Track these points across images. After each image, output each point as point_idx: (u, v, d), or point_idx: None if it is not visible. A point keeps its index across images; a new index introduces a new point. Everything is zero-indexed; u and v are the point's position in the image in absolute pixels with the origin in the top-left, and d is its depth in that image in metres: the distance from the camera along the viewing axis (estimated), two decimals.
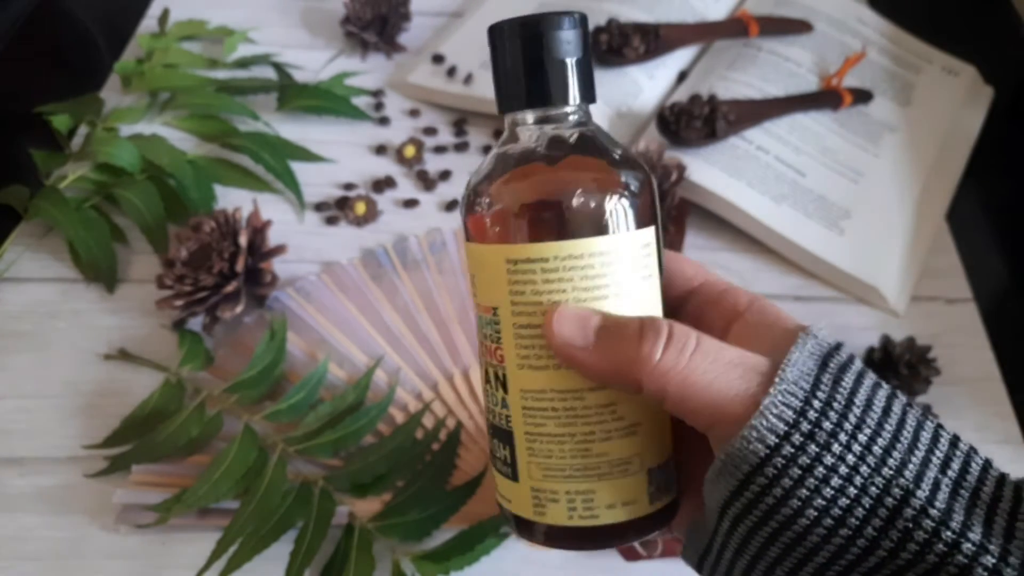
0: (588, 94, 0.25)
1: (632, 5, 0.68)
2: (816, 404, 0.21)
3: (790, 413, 0.20)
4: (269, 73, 0.67)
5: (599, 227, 0.23)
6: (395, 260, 0.55)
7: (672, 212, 0.54)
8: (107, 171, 0.56)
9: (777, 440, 0.20)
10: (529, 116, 0.25)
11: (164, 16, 0.69)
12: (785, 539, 0.21)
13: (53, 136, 0.58)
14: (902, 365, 0.48)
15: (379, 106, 0.66)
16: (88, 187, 0.56)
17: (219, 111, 0.61)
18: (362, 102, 0.65)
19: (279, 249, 0.51)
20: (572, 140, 0.25)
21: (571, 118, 0.25)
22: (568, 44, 0.24)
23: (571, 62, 0.24)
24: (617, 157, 0.25)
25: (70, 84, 0.64)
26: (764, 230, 0.57)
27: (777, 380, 0.21)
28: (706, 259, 0.57)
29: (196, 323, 0.51)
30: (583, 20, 0.25)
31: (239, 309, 0.49)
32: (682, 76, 0.67)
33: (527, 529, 0.26)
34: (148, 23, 0.71)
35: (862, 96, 0.65)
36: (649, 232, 0.24)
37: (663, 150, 0.55)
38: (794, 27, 0.69)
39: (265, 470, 0.43)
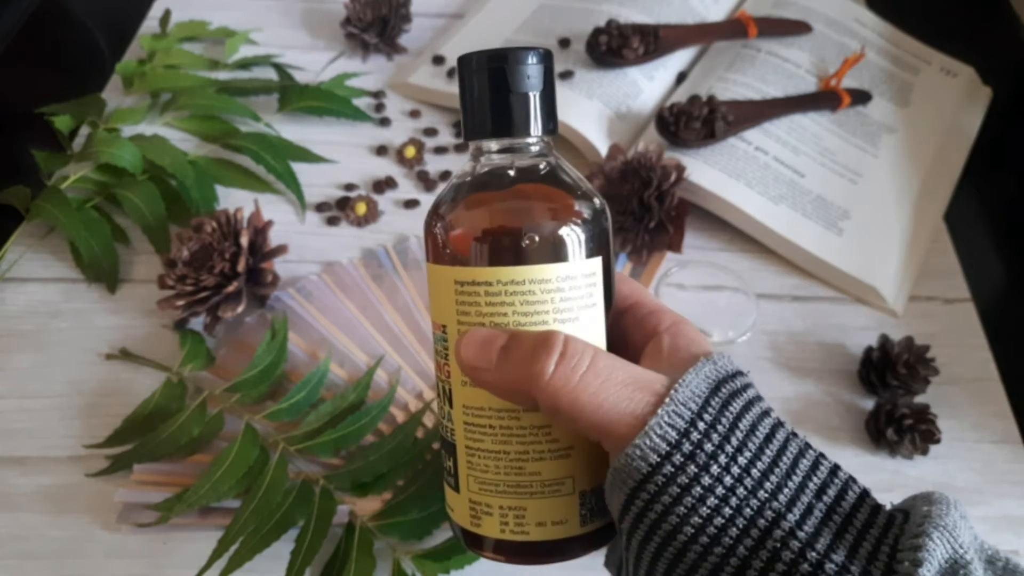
0: (550, 126, 0.26)
1: (632, 6, 0.68)
2: (700, 426, 0.22)
3: (673, 433, 0.21)
4: (270, 74, 0.67)
5: (541, 255, 0.24)
6: (395, 260, 0.55)
7: (671, 213, 0.54)
8: (109, 171, 0.57)
9: (659, 459, 0.21)
10: (493, 145, 0.26)
11: (165, 17, 0.69)
12: (668, 555, 0.21)
13: (55, 137, 0.58)
14: (900, 365, 0.48)
15: (380, 107, 0.66)
16: (90, 187, 0.57)
17: (220, 112, 0.61)
18: (363, 103, 0.66)
19: (280, 249, 0.52)
20: (523, 170, 0.26)
21: (532, 149, 0.26)
22: (532, 78, 0.25)
23: (534, 95, 0.25)
24: (570, 188, 0.26)
25: (72, 85, 0.65)
26: (763, 230, 0.57)
27: (667, 401, 0.22)
28: (705, 259, 0.57)
29: (197, 323, 0.51)
30: (547, 55, 0.26)
31: (240, 309, 0.49)
32: (681, 77, 0.67)
33: (466, 538, 0.27)
34: (149, 24, 0.71)
35: (861, 97, 0.65)
36: (595, 263, 0.25)
37: (662, 151, 0.55)
38: (793, 28, 0.69)
39: (266, 469, 0.43)
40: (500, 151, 0.26)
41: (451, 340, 0.25)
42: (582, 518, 0.25)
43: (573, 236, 0.24)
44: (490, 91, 0.25)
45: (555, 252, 0.24)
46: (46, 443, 0.46)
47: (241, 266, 0.49)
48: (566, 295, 0.24)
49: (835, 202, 0.59)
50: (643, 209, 0.54)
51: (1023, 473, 0.48)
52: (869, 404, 0.50)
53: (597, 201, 0.26)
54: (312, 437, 0.45)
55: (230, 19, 0.70)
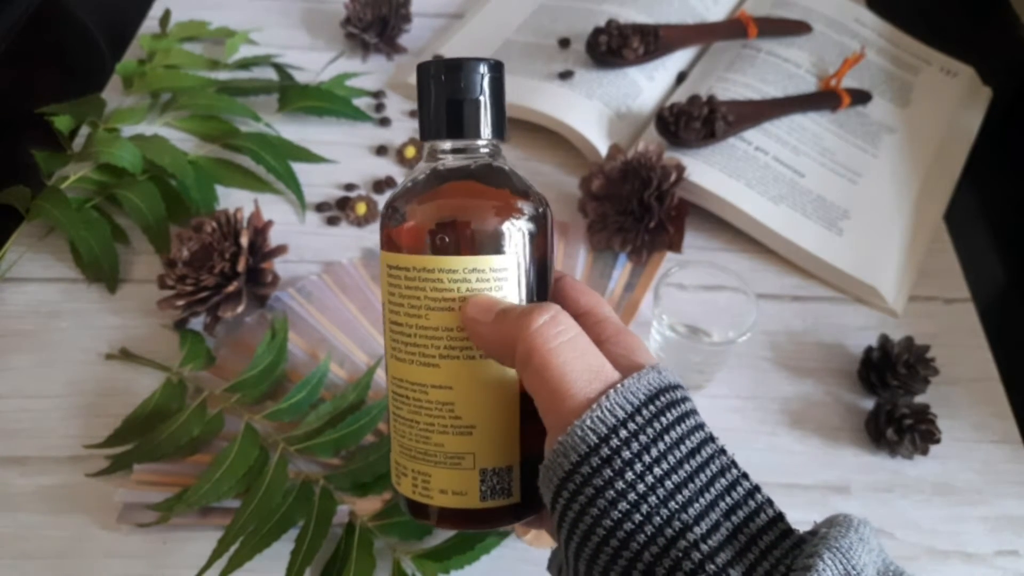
0: (498, 131, 0.28)
1: (632, 6, 0.68)
2: (622, 433, 0.22)
3: (593, 437, 0.22)
4: (270, 74, 0.67)
5: (450, 248, 0.26)
6: None
7: (671, 213, 0.54)
8: (109, 171, 0.57)
9: (578, 459, 0.22)
10: (446, 145, 0.28)
11: (165, 17, 0.69)
12: (586, 554, 0.23)
13: (55, 137, 0.58)
14: (900, 365, 0.48)
15: (380, 107, 0.66)
16: (90, 187, 0.57)
17: (220, 112, 0.61)
18: (363, 103, 0.66)
19: (280, 249, 0.52)
20: (457, 170, 0.28)
21: (482, 151, 0.28)
22: (483, 86, 0.27)
23: (484, 101, 0.27)
24: (496, 189, 0.27)
25: (72, 85, 0.65)
26: (763, 230, 0.57)
27: (594, 407, 0.23)
28: (705, 259, 0.57)
29: (197, 323, 0.51)
30: (498, 66, 0.28)
31: (240, 309, 0.49)
32: (681, 77, 0.67)
33: (394, 493, 0.30)
34: (149, 24, 0.71)
35: (861, 97, 0.65)
36: (504, 259, 0.27)
37: (662, 151, 0.55)
38: (793, 28, 0.69)
39: (266, 469, 0.43)
40: (453, 152, 0.28)
41: (385, 316, 0.29)
42: (482, 494, 0.27)
43: (481, 234, 0.26)
44: (444, 95, 0.27)
45: (462, 246, 0.26)
46: (46, 443, 0.46)
47: (241, 266, 0.49)
48: (472, 286, 0.26)
49: (835, 202, 0.59)
50: (643, 209, 0.54)
51: (1023, 473, 0.48)
52: (869, 404, 0.50)
53: (527, 204, 0.27)
54: (312, 437, 0.45)
55: (230, 19, 0.70)
